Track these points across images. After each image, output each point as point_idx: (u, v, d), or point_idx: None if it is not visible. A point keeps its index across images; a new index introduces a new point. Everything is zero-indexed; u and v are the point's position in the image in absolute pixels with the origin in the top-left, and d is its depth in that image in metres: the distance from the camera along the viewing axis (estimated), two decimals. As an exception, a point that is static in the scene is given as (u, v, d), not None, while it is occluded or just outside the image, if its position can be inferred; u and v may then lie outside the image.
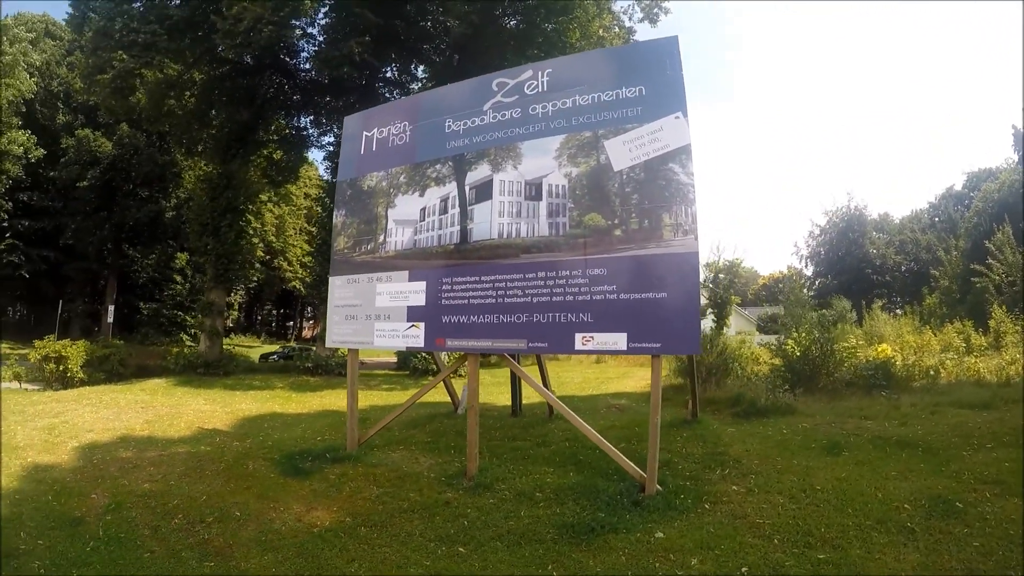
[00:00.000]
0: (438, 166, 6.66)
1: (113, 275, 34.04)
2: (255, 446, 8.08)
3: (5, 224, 29.11)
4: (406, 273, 6.67)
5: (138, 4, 16.73)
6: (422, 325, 6.40)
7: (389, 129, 7.30)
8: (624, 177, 5.40)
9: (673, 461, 6.20)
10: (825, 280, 52.28)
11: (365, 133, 7.62)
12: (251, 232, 30.85)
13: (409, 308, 6.55)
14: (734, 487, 5.24)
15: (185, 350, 20.98)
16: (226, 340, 36.78)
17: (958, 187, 48.23)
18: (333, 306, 7.52)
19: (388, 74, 24.77)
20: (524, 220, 5.81)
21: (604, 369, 22.59)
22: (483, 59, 18.87)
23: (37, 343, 14.85)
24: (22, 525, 5.10)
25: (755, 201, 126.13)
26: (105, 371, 16.13)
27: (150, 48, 15.62)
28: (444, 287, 6.25)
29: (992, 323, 15.66)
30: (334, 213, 7.93)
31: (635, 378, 17.36)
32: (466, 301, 6.04)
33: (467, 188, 6.31)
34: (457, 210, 6.35)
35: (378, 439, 7.97)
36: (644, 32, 23.24)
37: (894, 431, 6.84)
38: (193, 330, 33.48)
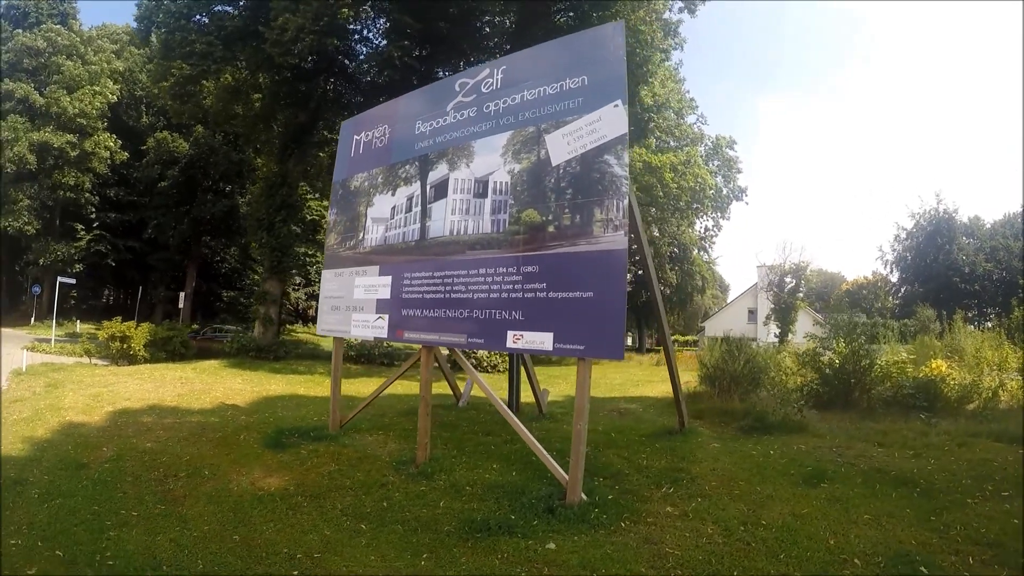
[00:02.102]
0: (407, 166, 6.99)
1: (193, 265, 37.24)
2: (257, 421, 8.80)
3: (93, 216, 32.63)
4: (377, 268, 7.07)
5: (197, 17, 18.34)
6: (386, 317, 6.78)
7: (373, 132, 7.73)
8: (561, 171, 5.37)
9: (624, 472, 6.01)
10: (911, 288, 48.77)
11: (355, 136, 8.09)
12: (325, 226, 32.59)
13: (378, 301, 6.94)
14: (669, 508, 4.96)
15: (240, 335, 22.62)
16: (303, 329, 39.08)
17: (1056, 188, 43.21)
18: (323, 297, 8.07)
19: (440, 74, 25.58)
20: (471, 217, 5.99)
21: (655, 372, 22.06)
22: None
23: (105, 324, 16.67)
24: (38, 464, 6.21)
25: (842, 200, 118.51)
26: (167, 351, 17.81)
27: (206, 57, 17.10)
28: (404, 281, 6.58)
29: (1082, 341, 14.03)
30: (328, 211, 8.48)
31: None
32: (421, 295, 6.33)
33: (428, 187, 6.59)
34: (419, 208, 6.65)
35: (366, 423, 8.46)
36: (688, 25, 22.76)
37: (899, 464, 6.14)
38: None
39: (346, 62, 24.17)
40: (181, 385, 12.27)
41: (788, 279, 37.14)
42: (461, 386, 10.61)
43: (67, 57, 29.48)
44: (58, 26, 30.57)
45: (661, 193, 31.94)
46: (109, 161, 31.83)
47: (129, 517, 4.82)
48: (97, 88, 29.46)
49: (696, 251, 47.44)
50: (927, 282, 45.65)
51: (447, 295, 6.00)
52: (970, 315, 40.10)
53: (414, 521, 4.71)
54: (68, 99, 28.52)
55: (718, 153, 40.42)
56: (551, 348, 5.06)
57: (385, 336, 6.80)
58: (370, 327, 7.01)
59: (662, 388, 15.89)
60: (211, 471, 6.13)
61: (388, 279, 6.82)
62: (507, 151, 5.85)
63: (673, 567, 3.92)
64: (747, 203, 43.80)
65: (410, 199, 6.80)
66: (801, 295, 37.89)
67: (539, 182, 5.53)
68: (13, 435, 7.36)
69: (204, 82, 20.58)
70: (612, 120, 5.16)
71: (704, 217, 41.83)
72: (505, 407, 5.76)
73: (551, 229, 5.34)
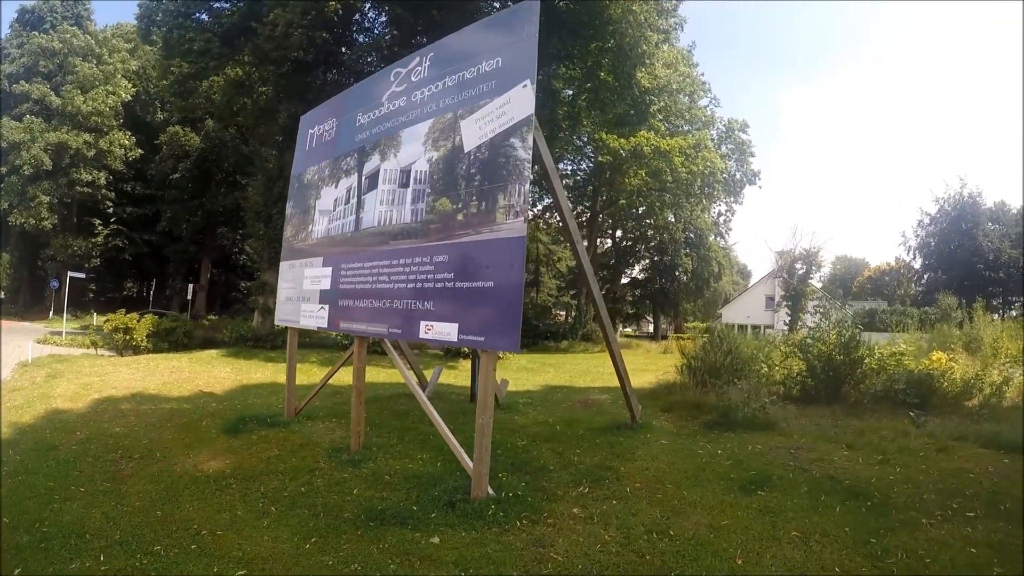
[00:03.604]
0: (348, 159, 7.12)
1: (207, 256, 38.26)
2: (226, 408, 9.15)
3: (110, 211, 33.82)
4: (321, 259, 7.27)
5: (196, 15, 18.76)
6: (327, 307, 6.98)
7: (323, 126, 7.89)
8: (472, 158, 5.34)
9: (549, 468, 5.83)
10: (934, 275, 47.41)
11: (310, 131, 8.26)
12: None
13: (321, 291, 7.15)
14: (576, 509, 4.71)
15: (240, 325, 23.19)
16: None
17: (1083, 172, 41.24)
18: (280, 288, 8.33)
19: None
20: (395, 208, 6.07)
21: (657, 360, 21.68)
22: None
23: (110, 316, 17.34)
24: (14, 446, 6.76)
25: (865, 184, 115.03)
26: (170, 342, 18.46)
27: (205, 55, 17.52)
28: (342, 272, 6.74)
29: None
30: (287, 205, 8.72)
31: (662, 372, 16.74)
32: (354, 286, 6.48)
33: (363, 179, 6.71)
34: (355, 200, 6.80)
35: (324, 411, 8.72)
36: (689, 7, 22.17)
37: (859, 471, 5.54)
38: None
39: (347, 53, 24.40)
40: (170, 374, 12.78)
41: (799, 265, 36.34)
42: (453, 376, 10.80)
43: (82, 58, 30.48)
44: (73, 27, 31.58)
45: (671, 178, 31.51)
46: (124, 158, 32.89)
47: (76, 492, 5.25)
48: (111, 88, 30.49)
49: (712, 237, 46.71)
50: (950, 269, 44.36)
51: (374, 286, 6.13)
52: (994, 303, 38.85)
53: (321, 507, 4.86)
54: (82, 99, 29.52)
55: (731, 137, 39.58)
56: (456, 339, 5.09)
57: (326, 326, 7.01)
58: (314, 317, 7.24)
59: (648, 378, 15.75)
60: (163, 454, 6.49)
61: (329, 270, 7.00)
62: (427, 139, 5.87)
63: (549, 574, 3.70)
64: (760, 187, 42.89)
65: (349, 191, 6.95)
66: (816, 281, 37.03)
67: (452, 170, 5.52)
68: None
69: (214, 77, 20.96)
70: (520, 101, 5.03)
71: (718, 202, 41.12)
72: (423, 396, 5.92)
73: (460, 217, 5.34)
